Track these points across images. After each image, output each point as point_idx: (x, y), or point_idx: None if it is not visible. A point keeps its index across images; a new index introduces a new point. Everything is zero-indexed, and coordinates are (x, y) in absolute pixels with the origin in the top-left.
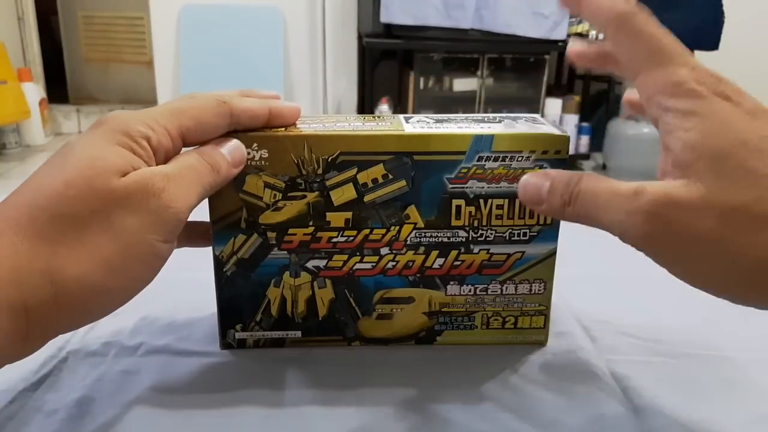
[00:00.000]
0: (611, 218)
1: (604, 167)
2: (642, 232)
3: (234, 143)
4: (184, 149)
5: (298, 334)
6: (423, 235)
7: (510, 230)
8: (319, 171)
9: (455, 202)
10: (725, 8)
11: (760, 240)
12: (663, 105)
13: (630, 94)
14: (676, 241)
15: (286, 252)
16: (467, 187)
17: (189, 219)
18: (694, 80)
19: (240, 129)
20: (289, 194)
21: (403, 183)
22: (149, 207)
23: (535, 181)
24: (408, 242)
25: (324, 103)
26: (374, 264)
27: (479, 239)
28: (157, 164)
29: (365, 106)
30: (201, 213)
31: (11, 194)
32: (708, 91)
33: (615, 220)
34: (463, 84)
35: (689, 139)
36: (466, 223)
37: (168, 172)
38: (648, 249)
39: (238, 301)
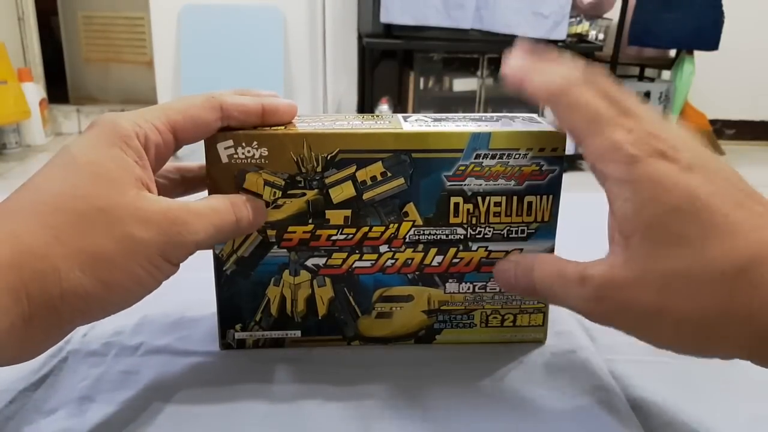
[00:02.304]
0: (569, 304)
1: None
2: (596, 314)
3: (260, 205)
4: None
5: (298, 333)
6: (422, 232)
7: (508, 227)
8: (319, 169)
9: (453, 199)
10: (725, 8)
11: (699, 301)
12: (603, 172)
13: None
14: (627, 317)
15: (285, 250)
16: (465, 185)
17: (183, 163)
18: (630, 143)
19: (235, 125)
20: (289, 192)
21: (401, 181)
22: (167, 231)
23: (505, 269)
24: (407, 240)
25: (324, 103)
26: (373, 262)
27: (477, 236)
28: (148, 158)
29: (365, 106)
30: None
31: (10, 195)
32: (643, 152)
33: (572, 305)
34: (463, 84)
35: (626, 211)
36: (465, 221)
37: (192, 207)
38: (607, 324)
39: (238, 300)
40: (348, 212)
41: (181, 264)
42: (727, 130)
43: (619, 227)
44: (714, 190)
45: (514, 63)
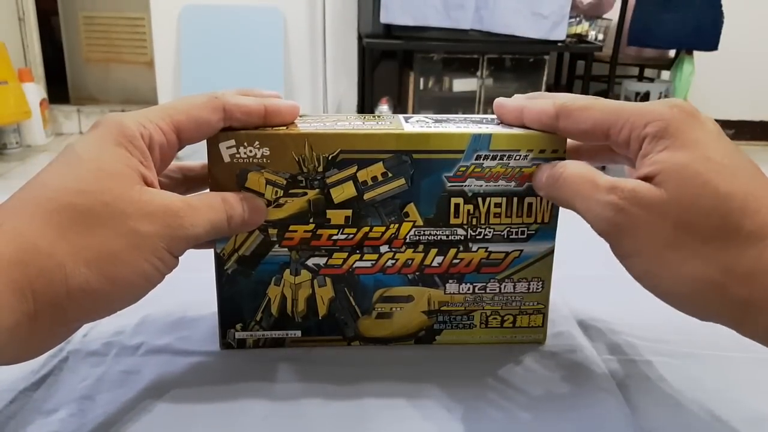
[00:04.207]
0: (586, 206)
1: (603, 167)
2: (608, 222)
3: (258, 204)
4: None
5: (298, 333)
6: (422, 233)
7: (508, 228)
8: (320, 169)
9: (454, 200)
10: (725, 8)
11: (702, 253)
12: (640, 136)
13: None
14: (635, 236)
15: (287, 249)
16: (466, 186)
17: (185, 163)
18: (664, 104)
19: (237, 126)
20: (290, 191)
21: (402, 181)
22: (169, 223)
23: (537, 173)
24: (407, 240)
25: (324, 104)
26: (374, 262)
27: (478, 237)
28: (153, 159)
29: (365, 106)
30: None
31: (14, 193)
32: (678, 110)
33: (589, 208)
34: (462, 84)
35: (659, 159)
36: (465, 222)
37: (191, 202)
38: (611, 238)
39: (239, 299)
40: (349, 212)
41: (180, 262)
42: (727, 130)
43: (643, 171)
44: (740, 161)
45: (507, 102)
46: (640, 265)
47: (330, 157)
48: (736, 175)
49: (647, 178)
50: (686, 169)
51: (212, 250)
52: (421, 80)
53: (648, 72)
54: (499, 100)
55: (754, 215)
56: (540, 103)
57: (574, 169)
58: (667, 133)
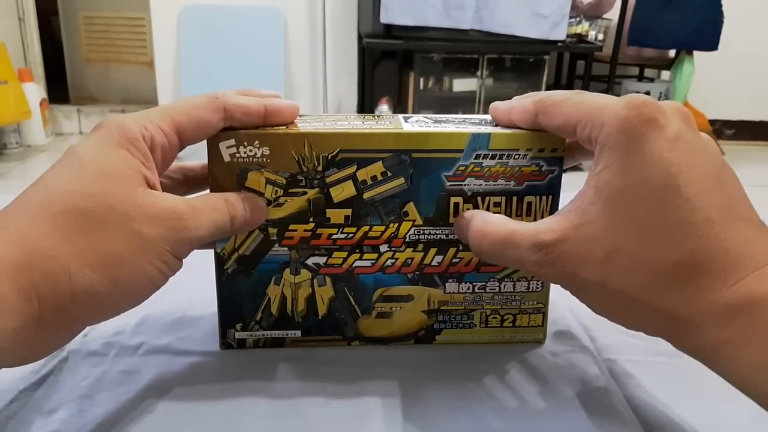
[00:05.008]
0: (519, 266)
1: None
2: (543, 276)
3: (259, 203)
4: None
5: (298, 333)
6: (421, 232)
7: None
8: (319, 168)
9: (453, 199)
10: (725, 8)
11: (634, 281)
12: (597, 139)
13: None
14: (569, 282)
15: (287, 248)
16: (465, 185)
17: (186, 163)
18: (623, 105)
19: (237, 126)
20: (290, 190)
21: (401, 180)
22: (173, 226)
23: (458, 224)
24: (407, 239)
25: (324, 104)
26: (373, 261)
27: None
28: (154, 160)
29: (365, 106)
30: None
31: (18, 196)
32: (636, 113)
33: (522, 267)
34: (462, 84)
35: (599, 179)
36: None
37: (194, 204)
38: (555, 283)
39: (239, 299)
40: (348, 211)
41: (182, 262)
42: (727, 130)
43: (585, 193)
44: (691, 173)
45: (500, 104)
46: (583, 300)
47: (329, 157)
48: (670, 202)
49: (584, 199)
50: (618, 198)
51: (212, 250)
52: (421, 80)
53: (648, 72)
54: (494, 104)
55: (679, 247)
56: (523, 101)
57: (489, 237)
58: (617, 143)
